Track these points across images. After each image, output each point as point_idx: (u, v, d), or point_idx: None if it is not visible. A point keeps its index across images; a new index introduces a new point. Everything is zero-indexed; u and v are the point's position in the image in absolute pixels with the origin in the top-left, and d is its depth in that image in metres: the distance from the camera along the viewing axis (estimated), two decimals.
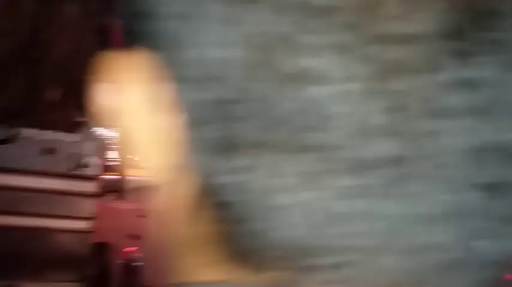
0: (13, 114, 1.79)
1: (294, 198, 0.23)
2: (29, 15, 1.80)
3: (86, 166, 1.90)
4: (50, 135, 1.84)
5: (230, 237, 0.24)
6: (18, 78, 1.79)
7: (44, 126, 1.83)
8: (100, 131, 1.90)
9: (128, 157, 2.30)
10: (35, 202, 1.84)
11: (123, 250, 2.16)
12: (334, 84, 0.22)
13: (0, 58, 1.75)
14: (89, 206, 1.91)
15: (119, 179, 2.32)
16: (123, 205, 2.25)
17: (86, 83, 1.93)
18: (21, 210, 1.83)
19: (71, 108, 1.86)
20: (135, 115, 0.26)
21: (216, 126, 0.23)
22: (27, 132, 1.81)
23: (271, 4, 0.22)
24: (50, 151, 1.84)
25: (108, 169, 2.12)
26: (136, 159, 0.24)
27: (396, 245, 0.23)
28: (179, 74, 0.23)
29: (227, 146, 0.23)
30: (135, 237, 2.16)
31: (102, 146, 1.98)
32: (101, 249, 2.13)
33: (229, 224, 0.23)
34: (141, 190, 2.34)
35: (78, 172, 1.89)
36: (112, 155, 2.10)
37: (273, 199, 0.22)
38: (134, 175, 2.33)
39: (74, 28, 1.90)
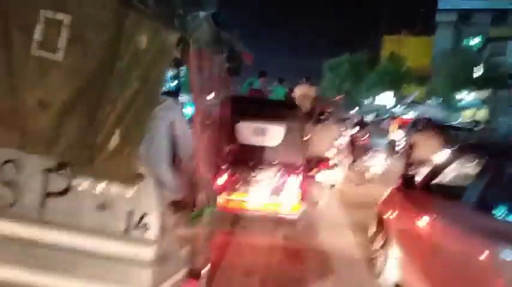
0: (69, 163, 1.68)
1: None
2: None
3: (144, 226, 1.65)
4: (105, 188, 1.66)
5: None
6: (85, 127, 1.68)
7: (101, 177, 1.67)
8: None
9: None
10: (85, 265, 1.67)
11: None
12: None
13: (64, 100, 1.67)
14: (144, 276, 1.65)
15: None
16: None
17: (147, 123, 1.72)
18: (69, 276, 1.67)
19: (129, 157, 1.66)
20: None
21: None
22: (83, 184, 1.67)
23: None
24: (103, 206, 1.66)
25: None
26: None
27: None
28: None
29: None
30: None
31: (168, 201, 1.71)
32: None
33: None
34: None
35: (134, 233, 1.65)
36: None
37: None
38: None
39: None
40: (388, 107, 34.86)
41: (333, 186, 8.33)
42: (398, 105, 32.31)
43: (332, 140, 8.21)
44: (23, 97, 1.67)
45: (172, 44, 1.72)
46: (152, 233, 1.65)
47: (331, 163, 8.15)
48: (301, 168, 5.55)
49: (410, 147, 8.88)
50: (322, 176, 7.52)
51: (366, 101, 38.79)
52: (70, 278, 1.68)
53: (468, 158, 3.74)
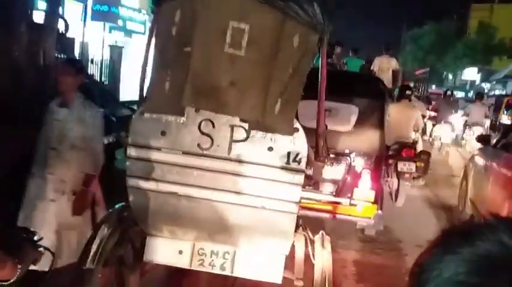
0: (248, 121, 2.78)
1: None
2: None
3: (298, 161, 2.72)
4: (272, 137, 2.75)
5: None
6: (259, 98, 2.75)
7: (269, 130, 2.75)
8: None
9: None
10: (257, 187, 2.78)
11: None
12: None
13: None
14: (297, 193, 2.73)
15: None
16: None
17: (299, 97, 2.77)
18: (247, 192, 2.79)
19: (288, 117, 2.73)
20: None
21: None
22: (258, 134, 2.77)
23: None
24: (271, 148, 2.74)
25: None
26: None
27: None
28: None
29: None
30: None
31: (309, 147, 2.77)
32: None
33: None
34: None
35: (292, 166, 2.73)
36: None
37: None
38: None
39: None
40: (476, 82, 33.78)
41: (418, 178, 6.89)
42: (491, 81, 31.21)
43: (417, 120, 7.22)
44: (219, 79, 2.78)
45: (315, 42, 2.75)
46: (302, 165, 2.72)
47: (418, 148, 7.26)
48: (380, 159, 4.83)
49: (467, 115, 13.60)
50: (406, 166, 6.51)
51: (452, 76, 37.67)
52: (249, 195, 2.81)
53: None
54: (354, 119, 4.72)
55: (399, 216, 6.21)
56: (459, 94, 27.01)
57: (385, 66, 9.82)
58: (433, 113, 14.18)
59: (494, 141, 6.27)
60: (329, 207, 4.62)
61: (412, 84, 18.14)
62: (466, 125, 13.53)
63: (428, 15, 36.68)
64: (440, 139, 12.97)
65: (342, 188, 4.68)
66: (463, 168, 6.86)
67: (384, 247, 5.05)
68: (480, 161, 6.13)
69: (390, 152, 6.51)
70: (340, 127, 4.61)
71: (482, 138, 6.57)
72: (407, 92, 7.47)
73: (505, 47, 32.64)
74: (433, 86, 31.32)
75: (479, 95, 14.70)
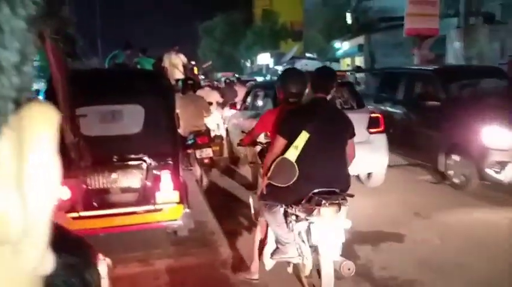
0: None
1: None
2: None
3: None
4: None
5: None
6: None
7: None
8: None
9: None
10: None
11: None
12: None
13: None
14: None
15: None
16: None
17: None
18: None
19: None
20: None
21: None
22: None
23: None
24: None
25: None
26: None
27: None
28: None
29: None
30: None
31: None
32: None
33: None
34: None
35: None
36: None
37: None
38: None
39: None
40: (270, 66, 36.53)
41: (213, 164, 7.53)
42: (281, 64, 34.09)
43: (205, 108, 7.56)
44: None
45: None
46: None
47: (212, 134, 7.84)
48: (177, 156, 4.67)
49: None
50: (204, 153, 6.94)
51: (248, 63, 40.13)
52: None
53: None
54: (141, 119, 4.37)
55: (210, 205, 6.27)
56: (260, 79, 28.53)
57: (174, 62, 10.68)
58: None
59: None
60: (133, 218, 4.33)
61: (202, 76, 19.19)
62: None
63: (217, 7, 38.24)
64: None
65: (144, 196, 4.37)
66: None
67: (198, 244, 4.90)
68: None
69: (188, 142, 6.81)
70: (127, 130, 4.28)
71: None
72: (189, 82, 7.78)
73: (287, 30, 35.79)
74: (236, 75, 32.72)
75: (241, 80, 16.64)
